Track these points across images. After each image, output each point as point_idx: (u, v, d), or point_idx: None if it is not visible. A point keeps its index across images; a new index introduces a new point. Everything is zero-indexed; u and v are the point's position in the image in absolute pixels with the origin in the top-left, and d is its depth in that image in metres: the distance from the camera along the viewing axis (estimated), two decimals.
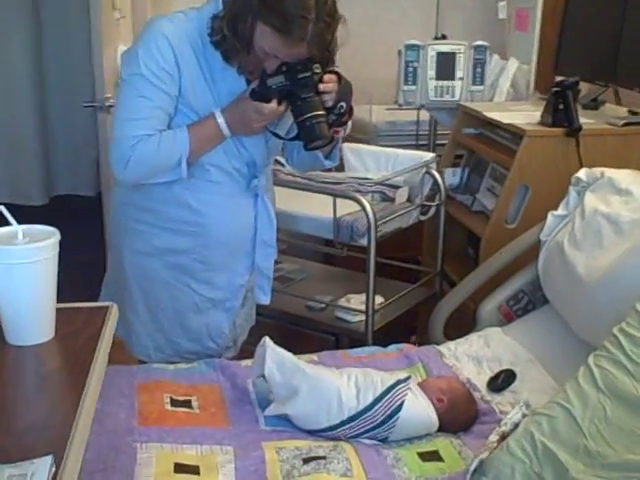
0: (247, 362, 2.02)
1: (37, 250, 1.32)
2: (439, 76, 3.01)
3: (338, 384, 1.75)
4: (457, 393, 1.83)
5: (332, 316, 2.56)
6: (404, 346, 2.13)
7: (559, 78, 3.18)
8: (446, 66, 3.00)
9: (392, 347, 2.13)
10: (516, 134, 2.56)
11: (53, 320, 1.41)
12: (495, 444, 1.55)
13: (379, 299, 2.50)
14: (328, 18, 1.74)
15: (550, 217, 2.19)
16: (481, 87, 3.04)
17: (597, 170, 2.17)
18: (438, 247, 2.71)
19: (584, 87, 2.98)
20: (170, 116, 1.87)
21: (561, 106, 2.44)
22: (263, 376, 1.80)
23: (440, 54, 3.00)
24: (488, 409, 1.85)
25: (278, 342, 2.48)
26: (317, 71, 1.79)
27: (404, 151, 2.73)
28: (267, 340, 1.83)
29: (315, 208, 2.49)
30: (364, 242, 2.40)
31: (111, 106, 3.32)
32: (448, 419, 1.78)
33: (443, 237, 2.70)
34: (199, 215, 1.97)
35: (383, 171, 2.68)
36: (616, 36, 2.74)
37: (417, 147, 3.25)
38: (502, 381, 1.94)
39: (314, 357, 2.05)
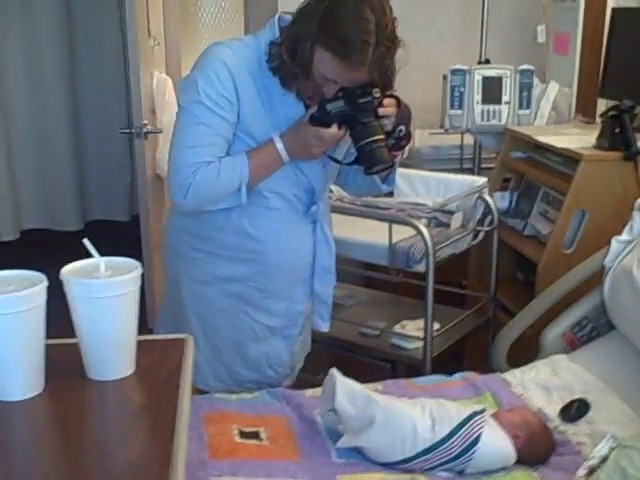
0: (311, 392, 1.99)
1: (120, 284, 1.29)
2: (485, 100, 2.99)
3: (413, 415, 1.71)
4: (533, 426, 1.78)
5: (387, 343, 2.52)
6: (469, 374, 2.09)
7: (603, 100, 3.18)
8: (492, 90, 2.98)
9: (457, 376, 2.09)
10: (570, 158, 2.53)
11: (134, 354, 1.38)
12: (583, 478, 1.51)
13: (435, 325, 2.46)
14: (388, 42, 1.72)
15: (614, 243, 2.15)
16: (527, 111, 3.02)
17: None
18: (491, 272, 2.67)
19: None
20: (229, 143, 1.86)
21: (617, 130, 2.41)
22: (333, 410, 1.77)
23: (486, 78, 2.98)
24: (563, 440, 1.80)
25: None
26: (377, 95, 1.78)
27: (454, 176, 2.71)
28: (335, 372, 1.79)
29: (365, 234, 2.46)
30: (420, 268, 2.37)
31: (148, 132, 3.34)
32: (526, 453, 1.73)
33: (496, 262, 2.66)
34: (257, 242, 1.95)
35: (433, 196, 2.66)
36: None
37: (461, 171, 3.23)
38: (576, 411, 1.89)
39: (379, 386, 2.01)
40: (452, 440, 1.68)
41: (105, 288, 1.27)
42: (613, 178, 2.42)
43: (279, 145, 1.85)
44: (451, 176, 2.69)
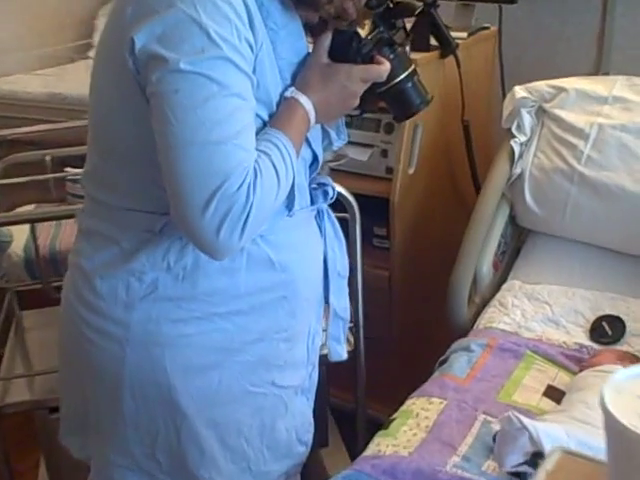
0: (396, 449, 1.40)
1: None
2: None
3: None
4: (626, 359, 1.59)
5: None
6: (485, 340, 1.72)
7: None
8: None
9: (475, 348, 1.70)
10: None
11: None
12: None
13: None
14: None
15: (515, 146, 1.97)
16: None
17: (538, 85, 2.01)
18: None
19: None
20: None
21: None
22: (526, 462, 1.28)
23: None
24: None
25: None
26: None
27: None
28: (516, 416, 1.27)
29: None
30: None
31: None
32: None
33: None
34: (284, 270, 1.26)
35: None
36: None
37: None
38: (612, 330, 1.72)
39: (436, 400, 1.52)
40: None
41: None
42: (436, 80, 2.19)
43: (308, 105, 1.18)
44: None
